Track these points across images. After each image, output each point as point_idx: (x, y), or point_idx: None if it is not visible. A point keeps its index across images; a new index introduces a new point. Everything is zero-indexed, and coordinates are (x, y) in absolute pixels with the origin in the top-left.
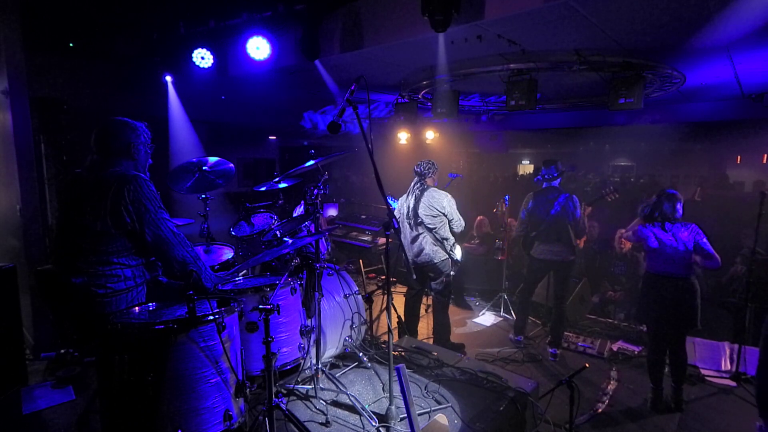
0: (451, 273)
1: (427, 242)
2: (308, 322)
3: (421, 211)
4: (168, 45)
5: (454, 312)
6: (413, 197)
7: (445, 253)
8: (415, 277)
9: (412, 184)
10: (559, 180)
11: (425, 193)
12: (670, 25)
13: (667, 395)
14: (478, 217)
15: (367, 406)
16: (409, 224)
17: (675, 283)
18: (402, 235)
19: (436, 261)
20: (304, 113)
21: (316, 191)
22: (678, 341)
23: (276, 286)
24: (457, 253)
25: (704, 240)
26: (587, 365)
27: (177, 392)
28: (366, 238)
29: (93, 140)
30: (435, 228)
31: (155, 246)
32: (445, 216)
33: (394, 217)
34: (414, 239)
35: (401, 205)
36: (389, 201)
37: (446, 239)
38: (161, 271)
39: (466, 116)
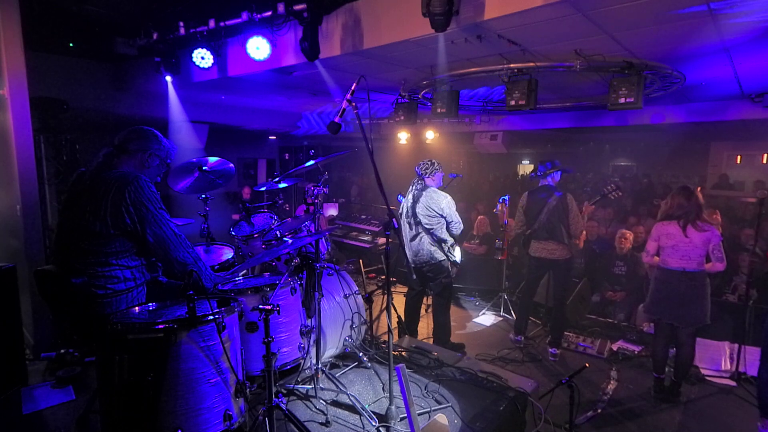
0: (451, 274)
1: (425, 242)
2: (308, 322)
3: (419, 211)
4: (168, 45)
5: (454, 312)
6: (411, 197)
7: (443, 254)
8: (415, 276)
9: (412, 183)
10: (554, 178)
11: (424, 193)
12: (671, 25)
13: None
14: (479, 217)
15: (367, 406)
16: (409, 224)
17: (689, 277)
18: (403, 235)
19: (434, 261)
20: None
21: (316, 191)
22: (687, 337)
23: (276, 286)
24: (456, 254)
25: (720, 243)
26: (587, 365)
27: (177, 392)
28: (366, 238)
29: (118, 136)
30: (432, 228)
31: (157, 246)
32: (444, 218)
33: (394, 216)
34: (413, 238)
35: (402, 205)
36: (399, 199)
37: (444, 241)
38: (161, 271)
39: (467, 116)
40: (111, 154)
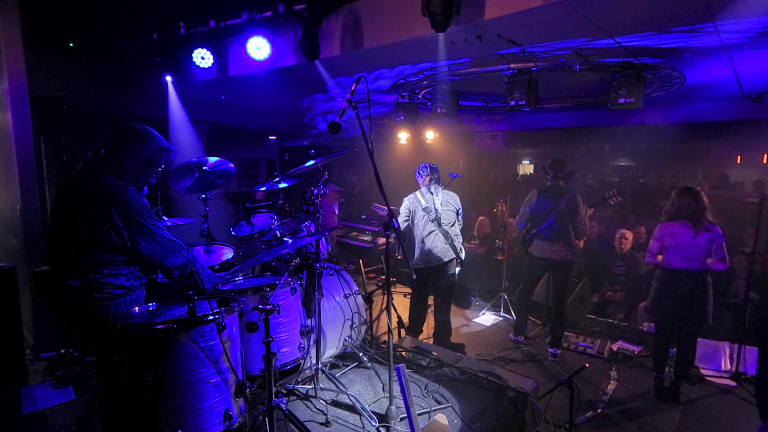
0: (456, 273)
1: (439, 240)
2: (308, 322)
3: (440, 207)
4: (168, 45)
5: (454, 312)
6: (431, 195)
7: (453, 253)
8: (415, 277)
9: (429, 182)
10: (564, 180)
11: (441, 192)
12: (671, 25)
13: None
14: (480, 218)
15: (367, 406)
16: (423, 222)
17: (692, 277)
18: (412, 235)
19: (445, 260)
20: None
21: (316, 191)
22: (689, 337)
23: (276, 286)
24: (462, 252)
25: (723, 243)
26: (587, 365)
27: (177, 392)
28: (366, 238)
29: (108, 136)
30: (450, 224)
31: (152, 257)
32: (458, 214)
33: (394, 216)
34: (426, 237)
35: (411, 204)
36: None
37: (457, 236)
38: (159, 272)
39: (467, 116)
40: (96, 155)
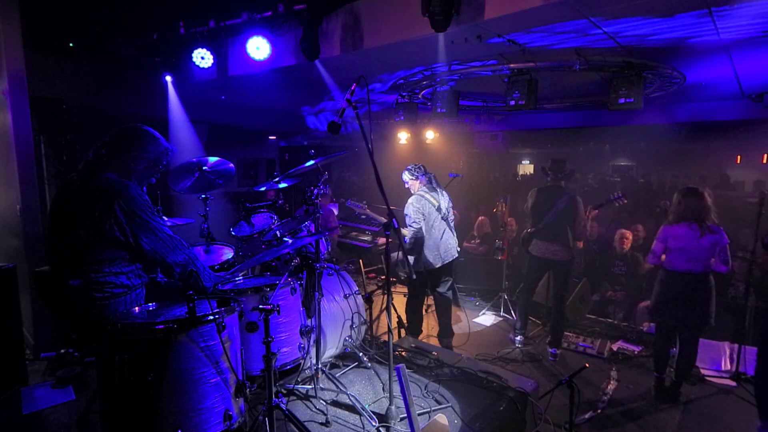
0: None
1: (452, 237)
2: (308, 322)
3: (446, 206)
4: (168, 45)
5: (453, 312)
6: (440, 195)
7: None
8: (414, 277)
9: (430, 182)
10: (564, 180)
11: (443, 191)
12: (670, 24)
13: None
14: (480, 218)
15: (367, 406)
16: (438, 222)
17: (696, 279)
18: (428, 235)
19: (456, 255)
20: (302, 108)
21: (316, 191)
22: (690, 338)
23: (276, 286)
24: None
25: (727, 246)
26: (587, 365)
27: (177, 392)
28: (366, 238)
29: (108, 134)
30: (452, 220)
31: (154, 254)
32: (452, 209)
33: (394, 216)
34: (442, 236)
35: (424, 207)
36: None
37: (453, 229)
38: (159, 271)
39: (467, 116)
40: (98, 155)
